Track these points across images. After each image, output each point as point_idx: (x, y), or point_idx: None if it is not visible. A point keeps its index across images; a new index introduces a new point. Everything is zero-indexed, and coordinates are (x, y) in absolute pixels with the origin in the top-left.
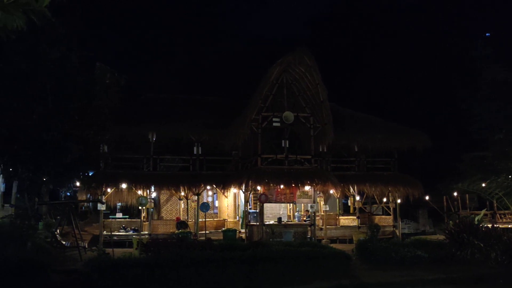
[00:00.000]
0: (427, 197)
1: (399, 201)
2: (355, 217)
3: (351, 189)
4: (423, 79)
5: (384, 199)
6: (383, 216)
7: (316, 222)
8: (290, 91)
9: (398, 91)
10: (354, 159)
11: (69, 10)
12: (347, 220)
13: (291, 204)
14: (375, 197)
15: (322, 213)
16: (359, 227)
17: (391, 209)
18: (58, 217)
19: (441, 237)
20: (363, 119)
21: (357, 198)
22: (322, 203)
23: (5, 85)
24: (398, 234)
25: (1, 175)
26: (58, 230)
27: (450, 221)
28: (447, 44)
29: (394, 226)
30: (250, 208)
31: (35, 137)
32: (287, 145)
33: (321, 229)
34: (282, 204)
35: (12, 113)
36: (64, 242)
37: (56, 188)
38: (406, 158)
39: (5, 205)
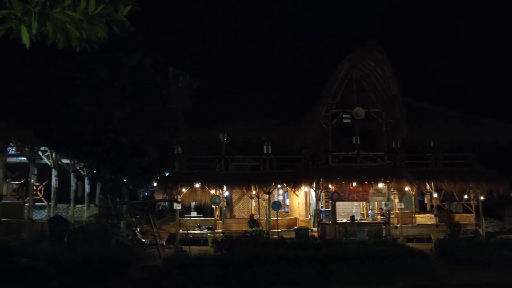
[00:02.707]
0: None
1: (481, 198)
2: (432, 215)
3: (428, 186)
4: (505, 69)
5: (465, 196)
6: (464, 214)
7: (391, 220)
8: (360, 87)
9: (475, 82)
10: (430, 155)
11: (143, 19)
12: (424, 218)
13: (364, 202)
14: (454, 194)
15: (397, 211)
16: (437, 226)
17: (473, 206)
18: (138, 216)
19: None
20: (439, 113)
21: (435, 195)
22: (396, 200)
23: (88, 94)
24: (481, 233)
25: (86, 177)
26: (138, 229)
27: None
28: None
29: (476, 225)
30: (321, 207)
31: (116, 141)
32: (359, 142)
33: (397, 227)
34: (355, 202)
35: (95, 119)
36: (144, 240)
37: (135, 188)
38: (488, 152)
39: (90, 205)
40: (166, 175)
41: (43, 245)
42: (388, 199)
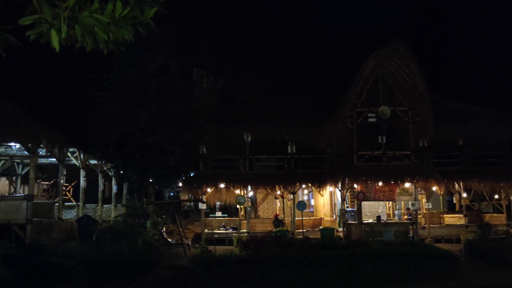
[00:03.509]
0: None
1: None
2: (461, 215)
3: (456, 186)
4: None
5: (496, 196)
6: (495, 214)
7: (418, 220)
8: (385, 85)
9: (506, 79)
10: (458, 154)
11: (168, 20)
12: (452, 219)
13: (391, 202)
14: (484, 193)
15: (425, 211)
16: (466, 226)
17: (504, 206)
18: (164, 216)
19: None
20: (468, 110)
21: (464, 195)
22: (424, 200)
23: (114, 95)
24: None
25: (113, 178)
26: (164, 228)
27: None
28: None
29: (508, 225)
30: (347, 207)
31: (142, 142)
32: (384, 141)
33: (424, 228)
34: (381, 202)
35: (121, 120)
36: (170, 240)
37: (161, 189)
38: None
39: (117, 205)
40: (191, 175)
41: (73, 244)
42: (415, 199)
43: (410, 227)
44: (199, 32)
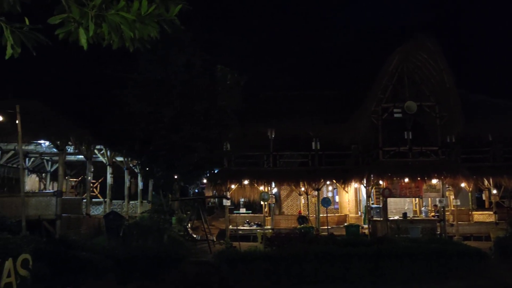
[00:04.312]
0: None
1: None
2: (491, 212)
3: (486, 182)
4: None
5: None
6: None
7: (446, 217)
8: (411, 80)
9: None
10: (488, 149)
11: (192, 18)
12: (482, 216)
13: (417, 199)
14: None
15: (453, 208)
16: (496, 223)
17: None
18: (189, 212)
19: None
20: (498, 104)
21: (494, 191)
22: (452, 197)
23: (140, 93)
24: None
25: (139, 174)
26: (189, 224)
27: None
28: None
29: None
30: (372, 203)
31: (167, 139)
32: (411, 137)
33: (452, 225)
34: (407, 198)
35: (147, 118)
36: (195, 236)
37: (186, 185)
38: None
39: (143, 201)
40: (216, 172)
41: (100, 240)
42: (443, 196)
43: (438, 224)
44: (222, 29)
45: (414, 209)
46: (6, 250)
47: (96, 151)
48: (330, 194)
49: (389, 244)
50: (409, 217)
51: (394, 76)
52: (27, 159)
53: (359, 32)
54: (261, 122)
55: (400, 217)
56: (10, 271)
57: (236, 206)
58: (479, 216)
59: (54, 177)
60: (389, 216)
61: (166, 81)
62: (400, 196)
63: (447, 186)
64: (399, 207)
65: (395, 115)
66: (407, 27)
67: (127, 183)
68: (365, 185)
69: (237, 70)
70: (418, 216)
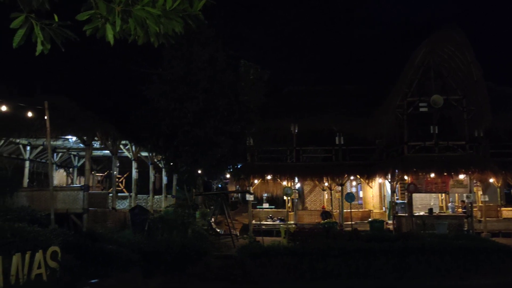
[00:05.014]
0: None
1: None
2: None
3: None
4: None
5: None
6: None
7: (474, 213)
8: (437, 73)
9: None
10: None
11: (216, 12)
12: (511, 212)
13: (444, 194)
14: None
15: (480, 204)
16: None
17: None
18: (212, 207)
19: None
20: None
21: None
22: (480, 193)
23: (164, 89)
24: None
25: (163, 169)
26: (212, 219)
27: None
28: None
29: None
30: (397, 199)
31: (190, 134)
32: (437, 131)
33: (480, 221)
34: (433, 194)
35: (171, 113)
36: (218, 230)
37: (209, 180)
38: None
39: (168, 195)
40: (239, 167)
41: (126, 233)
42: (470, 191)
43: (465, 220)
44: (246, 23)
45: (440, 205)
46: (36, 242)
47: (121, 146)
48: (354, 189)
49: (415, 239)
50: (435, 213)
51: (420, 69)
52: (55, 154)
53: (383, 25)
54: (284, 117)
55: (425, 213)
56: (40, 263)
57: (259, 201)
58: (508, 212)
59: (81, 172)
60: (414, 211)
61: (190, 76)
62: (425, 192)
63: (474, 181)
64: (425, 202)
65: (421, 109)
66: (433, 20)
67: (151, 178)
68: (389, 180)
69: (260, 64)
70: (444, 212)
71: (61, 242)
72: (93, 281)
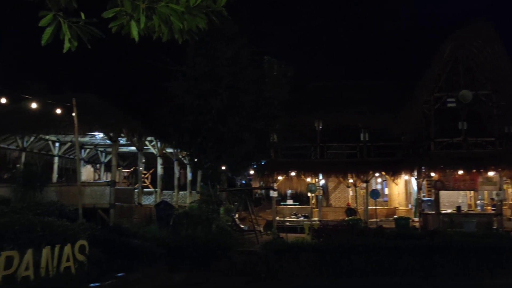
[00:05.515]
0: None
1: None
2: None
3: None
4: None
5: None
6: None
7: (504, 212)
8: (466, 68)
9: None
10: None
11: (240, 9)
12: None
13: (472, 192)
14: None
15: (511, 202)
16: None
17: None
18: (236, 203)
19: None
20: None
21: None
22: (510, 190)
23: (188, 85)
24: None
25: (188, 165)
26: (236, 215)
27: None
28: None
29: None
30: (423, 196)
31: (215, 130)
32: (465, 127)
33: (510, 219)
34: (461, 191)
35: (195, 110)
36: (242, 226)
37: (233, 176)
38: None
39: (192, 191)
40: (263, 163)
41: (151, 228)
42: (500, 189)
43: (494, 218)
44: (269, 19)
45: (469, 202)
46: (65, 236)
47: (147, 143)
48: (379, 186)
49: (441, 237)
50: (463, 210)
51: (448, 64)
52: (82, 150)
53: (408, 19)
54: (308, 113)
55: (453, 210)
56: (69, 256)
57: (283, 197)
58: None
59: (108, 167)
60: (441, 209)
61: (214, 73)
62: (453, 189)
63: (505, 178)
64: (452, 200)
65: (449, 105)
66: (460, 12)
67: (176, 174)
68: (416, 177)
69: (284, 61)
70: (472, 210)
71: (89, 236)
72: (119, 274)
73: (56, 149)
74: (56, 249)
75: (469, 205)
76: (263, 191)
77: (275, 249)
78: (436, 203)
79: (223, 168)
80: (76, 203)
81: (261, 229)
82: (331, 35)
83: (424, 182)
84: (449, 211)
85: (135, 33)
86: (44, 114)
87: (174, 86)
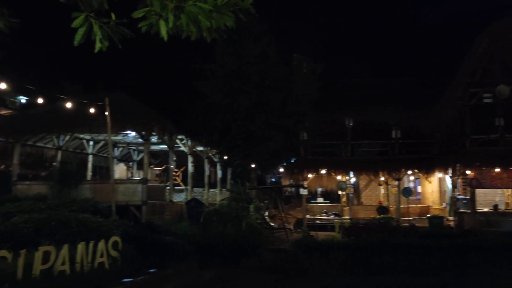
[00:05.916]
0: None
1: None
2: None
3: None
4: None
5: None
6: None
7: None
8: (503, 62)
9: None
10: None
11: (267, 6)
12: None
13: (510, 190)
14: None
15: None
16: None
17: None
18: (266, 201)
19: None
20: None
21: None
22: None
23: (217, 84)
24: None
25: (218, 163)
26: (266, 213)
27: None
28: None
29: None
30: (458, 194)
31: (243, 128)
32: (502, 124)
33: None
34: (498, 190)
35: (224, 108)
36: (272, 224)
37: (263, 174)
38: None
39: (222, 189)
40: (292, 161)
41: (182, 225)
42: None
43: None
44: (298, 16)
45: (506, 201)
46: (99, 232)
47: (177, 141)
48: (411, 184)
49: (476, 237)
50: (500, 209)
51: (483, 58)
52: (115, 148)
53: (441, 13)
54: (338, 110)
55: (490, 209)
56: (102, 252)
57: (313, 195)
58: None
59: (140, 165)
60: (477, 208)
61: (242, 71)
62: (490, 187)
63: None
64: (489, 198)
65: (485, 101)
66: (496, 6)
67: (206, 172)
68: (450, 175)
69: (313, 58)
70: (510, 209)
71: (122, 233)
72: (151, 270)
73: (90, 148)
74: (91, 245)
75: (507, 204)
76: (293, 189)
77: (305, 247)
78: (472, 201)
79: (253, 166)
80: (110, 200)
81: (291, 227)
82: (359, 32)
83: (459, 180)
84: (485, 210)
85: (164, 32)
86: (79, 113)
87: (203, 85)
